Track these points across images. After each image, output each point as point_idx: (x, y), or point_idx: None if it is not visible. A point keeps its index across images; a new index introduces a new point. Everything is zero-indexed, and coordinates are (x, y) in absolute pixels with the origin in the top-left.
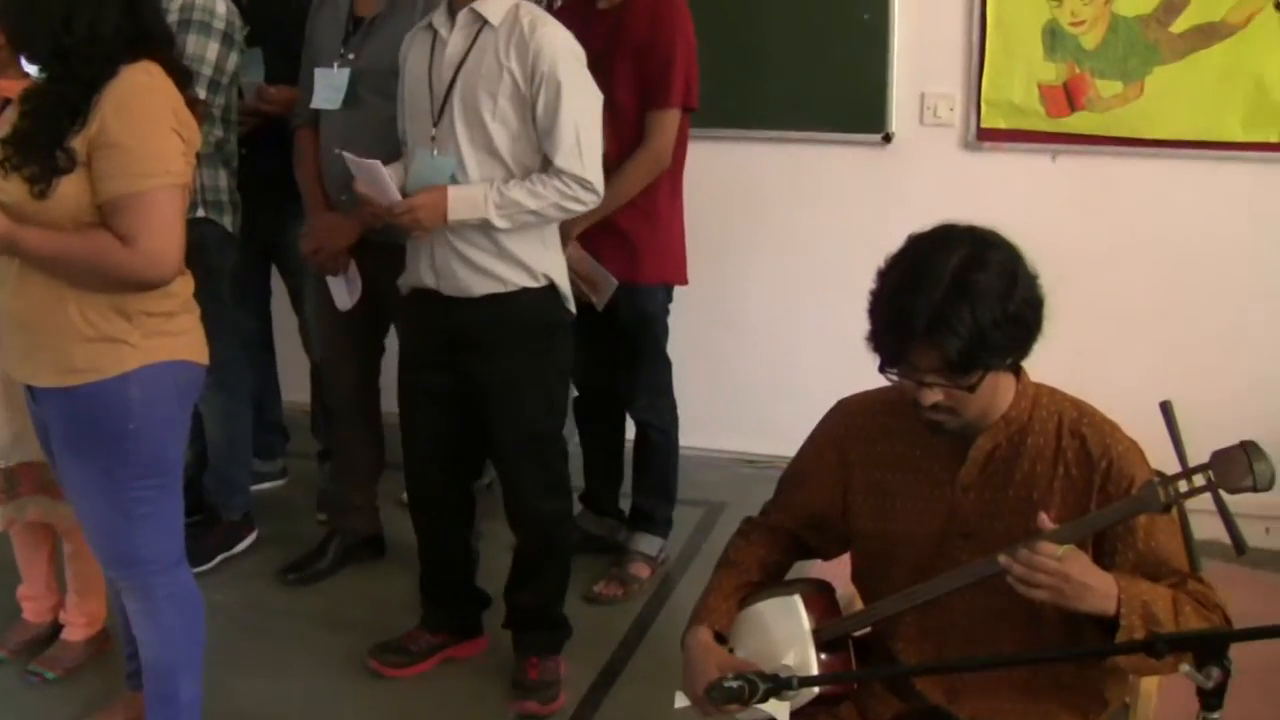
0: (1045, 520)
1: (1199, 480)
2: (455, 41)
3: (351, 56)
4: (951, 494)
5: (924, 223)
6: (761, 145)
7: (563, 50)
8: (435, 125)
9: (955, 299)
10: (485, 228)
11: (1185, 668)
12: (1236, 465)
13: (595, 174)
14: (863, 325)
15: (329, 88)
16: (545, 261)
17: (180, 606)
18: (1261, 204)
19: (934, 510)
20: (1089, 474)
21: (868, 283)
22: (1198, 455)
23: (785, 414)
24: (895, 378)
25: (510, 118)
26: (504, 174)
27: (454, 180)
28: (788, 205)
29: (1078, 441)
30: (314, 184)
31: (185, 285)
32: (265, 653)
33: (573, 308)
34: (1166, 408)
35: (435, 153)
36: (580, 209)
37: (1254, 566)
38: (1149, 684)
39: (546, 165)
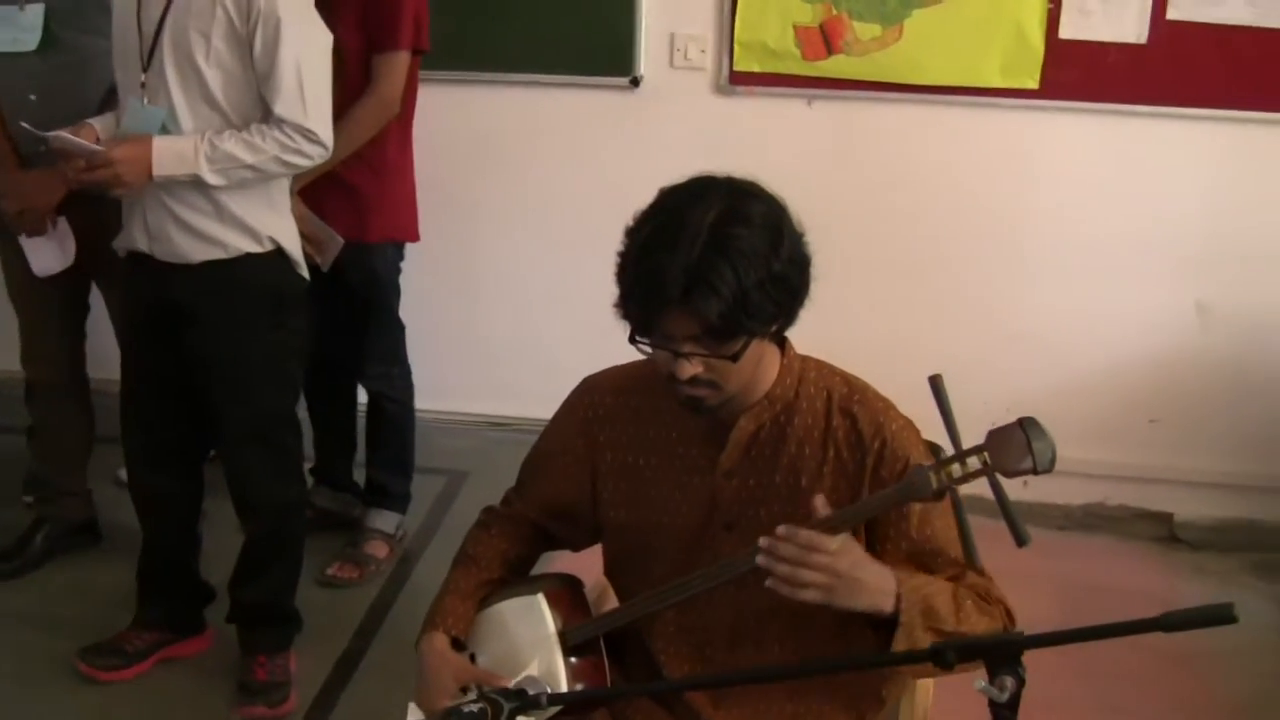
0: (820, 503)
1: (974, 464)
2: None
3: None
4: (712, 481)
5: (674, 171)
6: (498, 90)
7: None
8: (145, 71)
9: (714, 257)
10: (200, 186)
11: (980, 683)
12: (1014, 445)
13: (321, 124)
14: (610, 279)
15: (16, 28)
16: (271, 224)
17: None
18: (1020, 153)
19: (693, 499)
20: (860, 456)
21: (615, 233)
22: (961, 421)
23: (530, 374)
24: (648, 348)
25: (226, 60)
26: (222, 125)
27: (164, 132)
28: (528, 154)
29: (848, 421)
30: (3, 140)
31: None
32: None
33: (305, 274)
34: (936, 383)
35: (145, 101)
36: (305, 163)
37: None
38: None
39: (268, 114)
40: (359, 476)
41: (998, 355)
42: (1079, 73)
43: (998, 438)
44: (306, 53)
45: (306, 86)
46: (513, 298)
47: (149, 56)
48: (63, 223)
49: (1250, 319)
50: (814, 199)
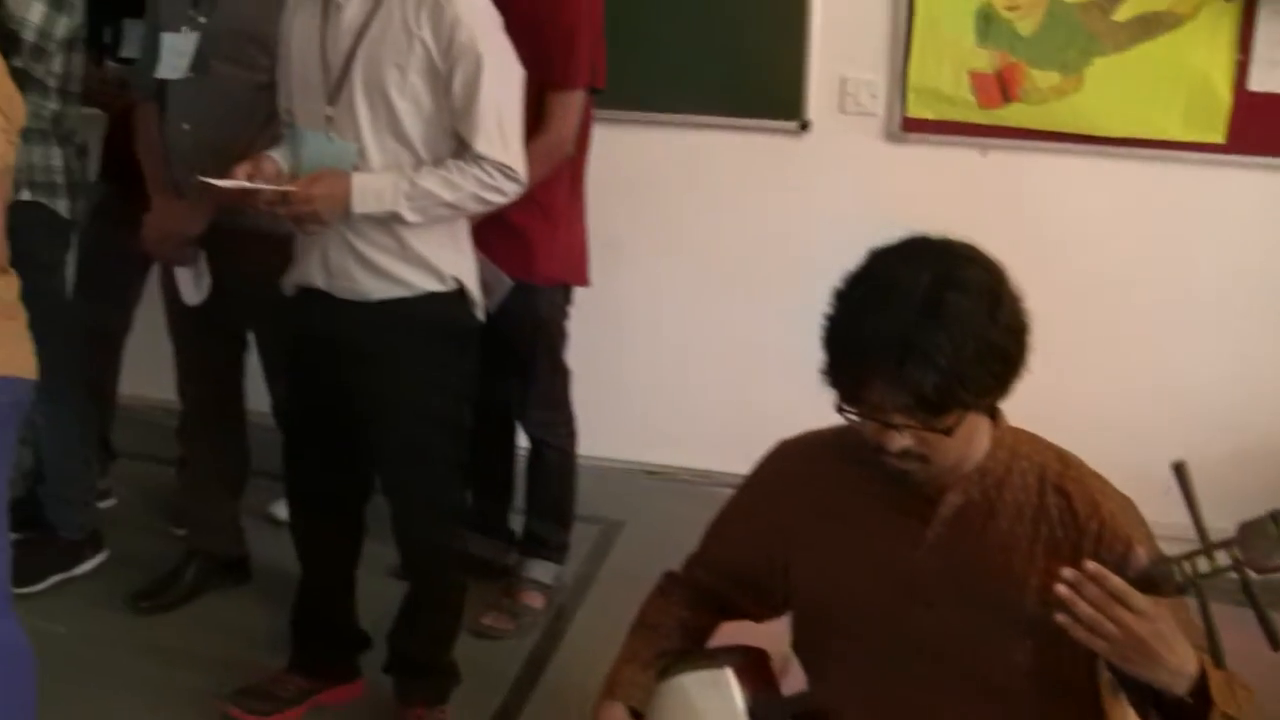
0: (1141, 556)
1: (1223, 558)
2: (354, 6)
3: (201, 19)
4: (913, 556)
5: (841, 220)
6: (662, 130)
7: (483, 18)
8: (331, 104)
9: (928, 325)
10: (391, 223)
11: None
12: (1266, 539)
13: (518, 160)
14: (774, 327)
15: (175, 54)
16: (455, 263)
17: (3, 664)
18: (1202, 209)
19: (891, 575)
20: (1076, 538)
21: (779, 281)
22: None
23: (686, 422)
24: (855, 418)
25: (422, 96)
26: (411, 160)
27: (355, 169)
28: (692, 198)
29: (1063, 499)
30: (158, 165)
31: (8, 288)
32: (98, 696)
33: (481, 315)
34: (1180, 470)
35: (332, 136)
36: (501, 200)
37: None
38: None
39: (461, 151)
40: (515, 524)
41: (1177, 418)
42: (1269, 127)
43: (1249, 531)
44: (504, 90)
45: (505, 124)
46: (669, 344)
47: (336, 89)
48: (201, 257)
49: None
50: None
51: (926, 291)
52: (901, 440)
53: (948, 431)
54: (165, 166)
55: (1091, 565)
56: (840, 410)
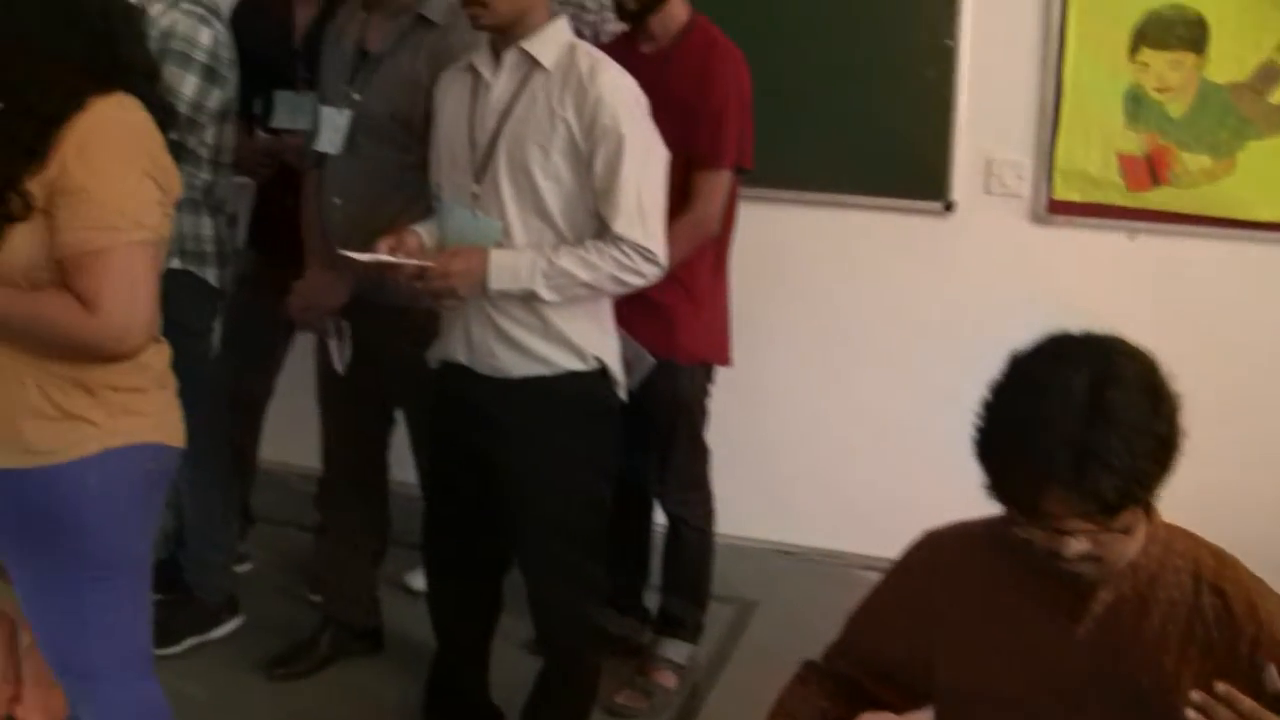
0: (1272, 675)
1: None
2: (501, 86)
3: (356, 96)
4: (1063, 653)
5: (987, 300)
6: (806, 209)
7: (627, 99)
8: (478, 182)
9: (1098, 427)
10: (530, 301)
11: None
12: None
13: (658, 243)
14: (915, 407)
15: (331, 128)
16: (598, 342)
17: None
18: None
19: (1040, 671)
20: (1232, 640)
21: (922, 364)
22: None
23: (823, 502)
24: (1030, 530)
25: (564, 175)
26: (554, 239)
27: (498, 246)
28: (833, 277)
29: (1219, 599)
30: (316, 234)
31: (159, 356)
32: None
33: (624, 395)
34: None
35: (477, 213)
36: (640, 282)
37: None
38: None
39: (603, 231)
40: (650, 601)
41: None
42: None
43: None
44: (646, 171)
45: (645, 205)
46: (808, 423)
47: (482, 167)
48: (345, 328)
49: None
50: (1133, 338)
51: (1088, 393)
52: (1079, 545)
53: (1126, 530)
54: (323, 237)
55: (1222, 687)
56: (1013, 524)
